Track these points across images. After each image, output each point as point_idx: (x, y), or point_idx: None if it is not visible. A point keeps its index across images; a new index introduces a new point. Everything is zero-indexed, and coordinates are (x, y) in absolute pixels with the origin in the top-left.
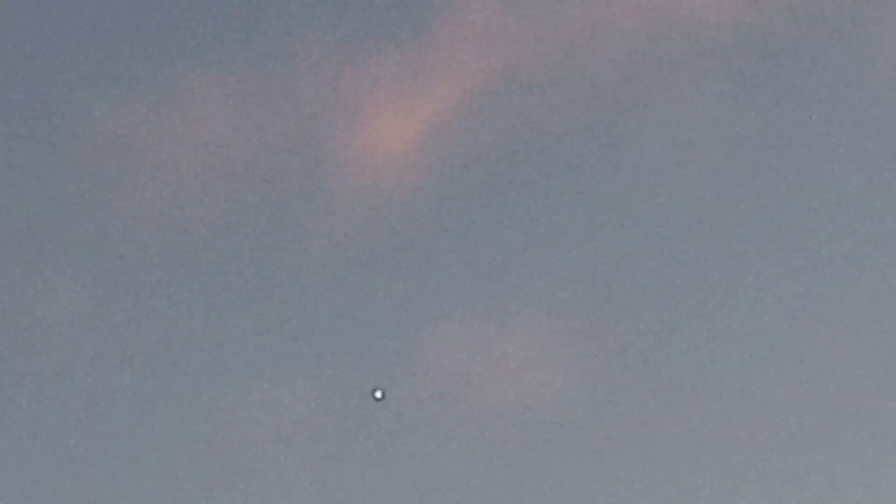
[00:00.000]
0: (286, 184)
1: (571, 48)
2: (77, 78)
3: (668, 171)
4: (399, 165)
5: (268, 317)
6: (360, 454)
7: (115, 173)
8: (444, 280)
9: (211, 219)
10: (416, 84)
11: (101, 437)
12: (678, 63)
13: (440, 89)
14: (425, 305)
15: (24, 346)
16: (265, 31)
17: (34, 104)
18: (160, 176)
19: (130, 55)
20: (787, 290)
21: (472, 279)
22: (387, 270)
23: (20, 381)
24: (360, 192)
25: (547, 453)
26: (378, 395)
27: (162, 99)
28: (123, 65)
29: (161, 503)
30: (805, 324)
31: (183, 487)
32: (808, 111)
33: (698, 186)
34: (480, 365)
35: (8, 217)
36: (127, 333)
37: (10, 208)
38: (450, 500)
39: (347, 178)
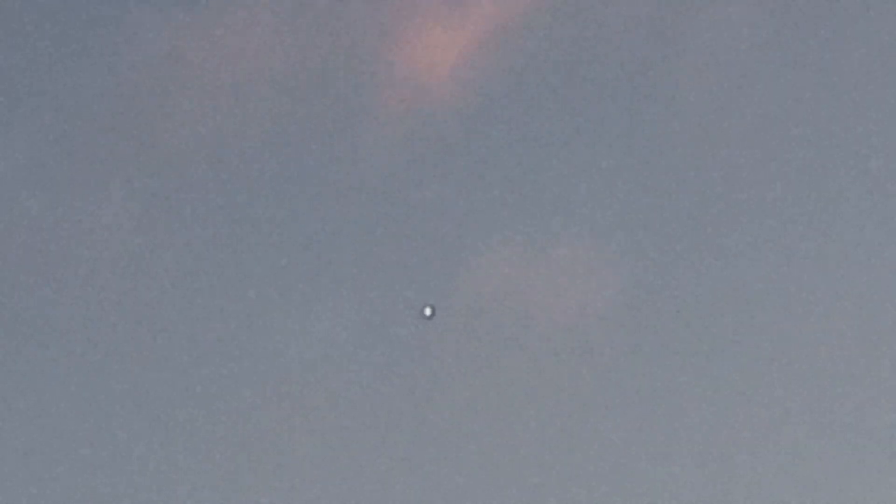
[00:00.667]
0: (330, 102)
1: None
2: (120, 5)
3: (717, 84)
4: (444, 84)
5: (309, 236)
6: (407, 374)
7: (159, 88)
8: (488, 198)
9: (252, 135)
10: (459, 6)
11: (138, 347)
12: None
13: (483, 12)
14: (470, 223)
15: (71, 254)
16: None
17: (81, 19)
18: (203, 91)
19: None
20: (834, 210)
21: (517, 197)
22: (431, 188)
23: (65, 289)
24: (406, 109)
25: (593, 370)
26: (427, 312)
27: (205, 16)
28: None
29: (194, 430)
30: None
31: (218, 413)
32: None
33: (747, 98)
34: (527, 281)
35: (55, 128)
36: (171, 246)
37: (58, 119)
38: (496, 418)
39: (395, 95)
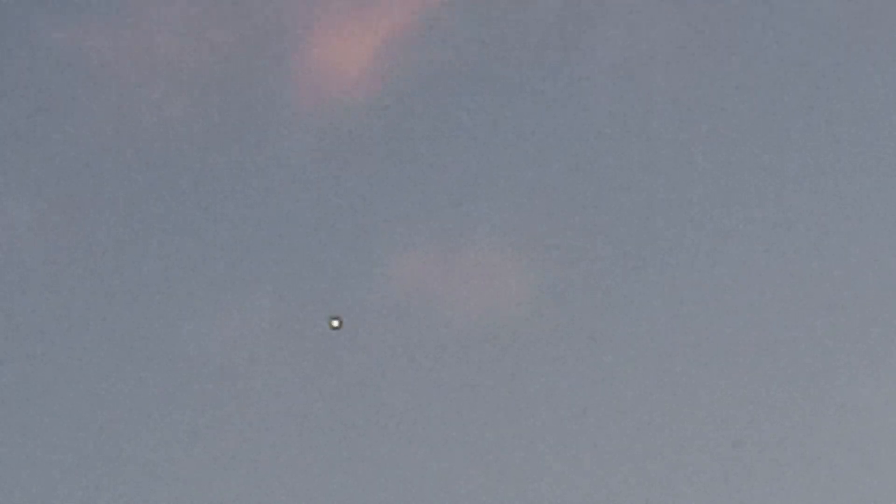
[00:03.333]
0: (240, 100)
1: None
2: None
3: (628, 80)
4: (354, 81)
5: (222, 235)
6: (321, 379)
7: (69, 92)
8: (401, 199)
9: (167, 136)
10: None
11: (53, 355)
12: None
13: (397, 2)
14: (383, 224)
15: None
16: None
17: None
18: (114, 93)
19: None
20: (770, 203)
21: (431, 197)
22: (342, 189)
23: None
24: (316, 108)
25: (510, 372)
26: (335, 323)
27: (113, 16)
28: None
29: (101, 432)
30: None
31: (125, 415)
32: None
33: (659, 93)
34: (441, 284)
35: None
36: (78, 249)
37: None
38: (412, 423)
39: (303, 94)
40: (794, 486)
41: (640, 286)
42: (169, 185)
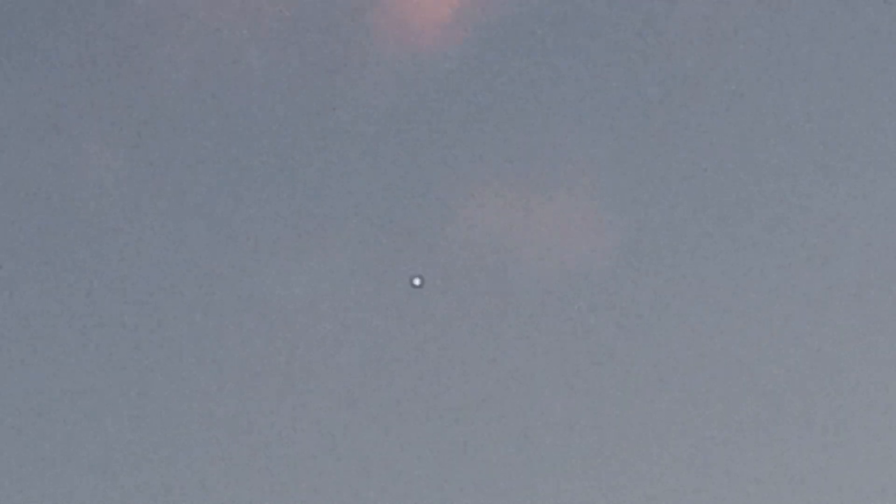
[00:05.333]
0: (324, 44)
1: None
2: None
3: (714, 32)
4: (436, 32)
5: (300, 188)
6: (400, 337)
7: (148, 40)
8: (481, 152)
9: (247, 87)
10: None
11: (126, 301)
12: None
13: None
14: (462, 175)
15: (56, 208)
16: None
17: None
18: (194, 42)
19: None
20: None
21: (511, 151)
22: (423, 142)
23: (56, 237)
24: (397, 59)
25: (592, 326)
26: (417, 282)
27: None
28: None
29: (188, 375)
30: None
31: (209, 358)
32: None
33: (740, 53)
34: (521, 235)
35: (32, 83)
36: (157, 198)
37: (36, 76)
38: (492, 383)
39: (384, 44)
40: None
41: (727, 244)
42: (248, 136)
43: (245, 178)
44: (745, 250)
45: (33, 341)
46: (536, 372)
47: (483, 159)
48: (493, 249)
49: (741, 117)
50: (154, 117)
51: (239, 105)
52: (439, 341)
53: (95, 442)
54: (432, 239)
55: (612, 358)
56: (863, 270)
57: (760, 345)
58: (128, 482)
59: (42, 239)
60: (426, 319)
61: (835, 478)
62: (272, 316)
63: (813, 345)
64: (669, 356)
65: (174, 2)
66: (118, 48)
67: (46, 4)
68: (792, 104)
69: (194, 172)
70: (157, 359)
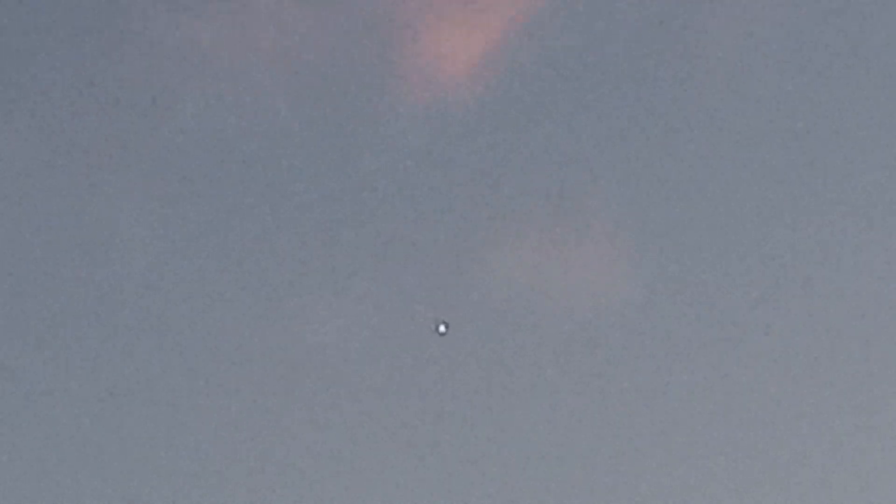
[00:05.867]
0: (349, 95)
1: None
2: None
3: (740, 73)
4: (462, 78)
5: (325, 233)
6: (425, 382)
7: (175, 87)
8: (508, 197)
9: (273, 133)
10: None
11: (152, 348)
12: None
13: (504, 6)
14: (490, 222)
15: (86, 247)
16: None
17: (92, 24)
18: (221, 89)
19: None
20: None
21: (538, 195)
22: (449, 183)
23: (81, 281)
24: (425, 104)
25: (612, 371)
26: (442, 329)
27: (220, 11)
28: None
29: (206, 417)
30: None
31: (230, 403)
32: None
33: (771, 87)
34: (547, 280)
35: (66, 129)
36: (183, 244)
37: (67, 114)
38: (512, 418)
39: (410, 91)
40: None
41: (753, 284)
42: (274, 183)
43: (270, 225)
44: (770, 294)
45: (58, 385)
46: (559, 416)
47: (506, 206)
48: (517, 294)
49: (764, 164)
50: (181, 163)
51: (265, 152)
52: (463, 387)
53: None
54: (456, 285)
55: (636, 401)
56: (893, 310)
57: (784, 390)
58: None
59: (68, 286)
60: (450, 365)
61: None
62: (297, 363)
63: (838, 388)
64: (691, 399)
65: (200, 48)
66: (145, 94)
67: (68, 46)
68: (814, 151)
69: (219, 220)
70: (182, 402)
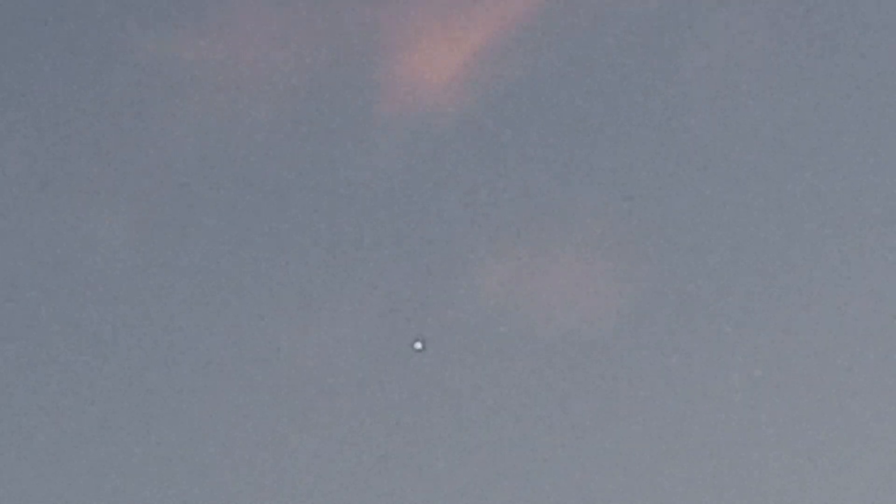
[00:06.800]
0: (330, 107)
1: None
2: (118, 10)
3: (725, 87)
4: (442, 93)
5: (304, 248)
6: (406, 399)
7: (157, 102)
8: (489, 212)
9: (254, 148)
10: (462, 10)
11: (136, 364)
12: None
13: (486, 17)
14: (466, 236)
15: (72, 262)
16: None
17: (77, 38)
18: (202, 104)
19: None
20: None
21: (519, 209)
22: (432, 194)
23: (67, 296)
24: (406, 113)
25: (603, 389)
26: (418, 346)
27: (201, 27)
28: None
29: (193, 433)
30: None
31: (216, 419)
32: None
33: (751, 109)
34: (530, 293)
35: (52, 151)
36: (167, 260)
37: (55, 143)
38: (502, 444)
39: (390, 107)
40: None
41: (736, 297)
42: (255, 199)
43: (247, 240)
44: (754, 314)
45: (48, 405)
46: (538, 435)
47: (486, 222)
48: (496, 312)
49: (751, 178)
50: (162, 179)
51: (246, 168)
52: (440, 406)
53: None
54: (434, 302)
55: (617, 421)
56: (890, 338)
57: (767, 411)
58: None
59: (51, 303)
60: (427, 383)
61: None
62: (276, 380)
63: (837, 393)
64: (674, 420)
65: (181, 63)
66: (124, 108)
67: (51, 59)
68: (804, 164)
69: (198, 237)
70: (165, 416)
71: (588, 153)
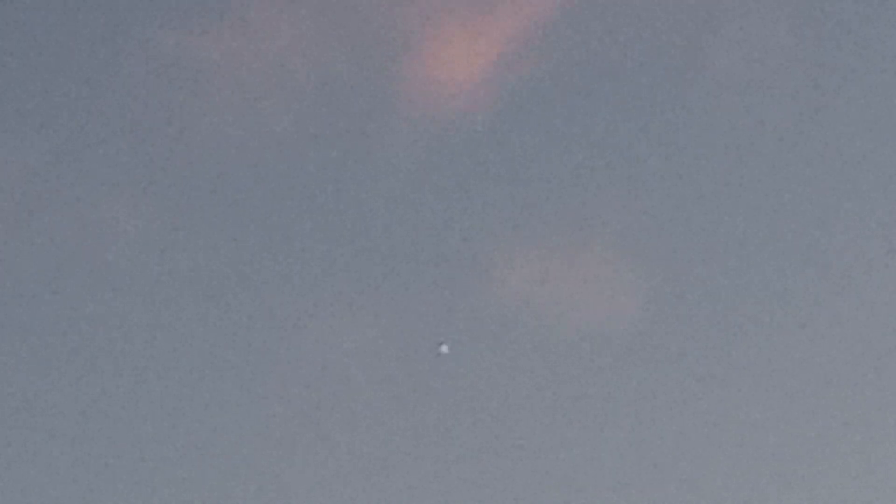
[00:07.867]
0: (352, 108)
1: None
2: (139, 8)
3: (746, 86)
4: (465, 92)
5: (325, 245)
6: (429, 396)
7: (178, 97)
8: (511, 211)
9: (276, 145)
10: (484, 11)
11: (160, 368)
12: None
13: (509, 18)
14: (494, 230)
15: (89, 258)
16: None
17: (102, 36)
18: (224, 100)
19: None
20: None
21: (541, 203)
22: (455, 194)
23: (82, 292)
24: (425, 119)
25: (624, 383)
26: (444, 349)
27: (227, 26)
28: None
29: (207, 433)
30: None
31: (232, 417)
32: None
33: (775, 108)
34: (551, 293)
35: (77, 143)
36: (186, 255)
37: (79, 136)
38: (525, 440)
39: (412, 105)
40: None
41: (756, 296)
42: (275, 195)
43: (269, 241)
44: (768, 309)
45: (49, 405)
46: (561, 434)
47: (508, 223)
48: (520, 312)
49: (764, 184)
50: (177, 183)
51: (266, 165)
52: (465, 407)
53: None
54: (459, 305)
55: (638, 418)
56: None
57: (782, 409)
58: None
59: (56, 298)
60: (453, 386)
61: None
62: (301, 381)
63: (837, 395)
64: (692, 416)
65: (201, 62)
66: (147, 107)
67: (73, 61)
68: (818, 168)
69: (219, 231)
70: (187, 418)
71: (609, 154)
